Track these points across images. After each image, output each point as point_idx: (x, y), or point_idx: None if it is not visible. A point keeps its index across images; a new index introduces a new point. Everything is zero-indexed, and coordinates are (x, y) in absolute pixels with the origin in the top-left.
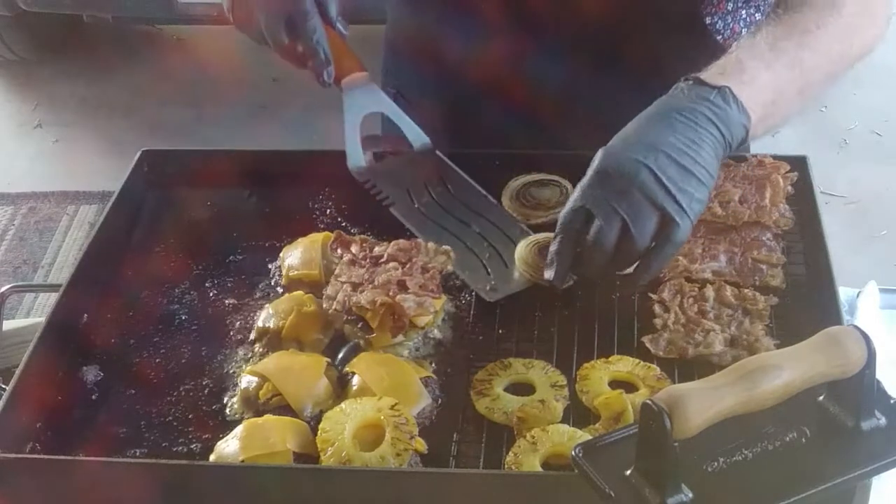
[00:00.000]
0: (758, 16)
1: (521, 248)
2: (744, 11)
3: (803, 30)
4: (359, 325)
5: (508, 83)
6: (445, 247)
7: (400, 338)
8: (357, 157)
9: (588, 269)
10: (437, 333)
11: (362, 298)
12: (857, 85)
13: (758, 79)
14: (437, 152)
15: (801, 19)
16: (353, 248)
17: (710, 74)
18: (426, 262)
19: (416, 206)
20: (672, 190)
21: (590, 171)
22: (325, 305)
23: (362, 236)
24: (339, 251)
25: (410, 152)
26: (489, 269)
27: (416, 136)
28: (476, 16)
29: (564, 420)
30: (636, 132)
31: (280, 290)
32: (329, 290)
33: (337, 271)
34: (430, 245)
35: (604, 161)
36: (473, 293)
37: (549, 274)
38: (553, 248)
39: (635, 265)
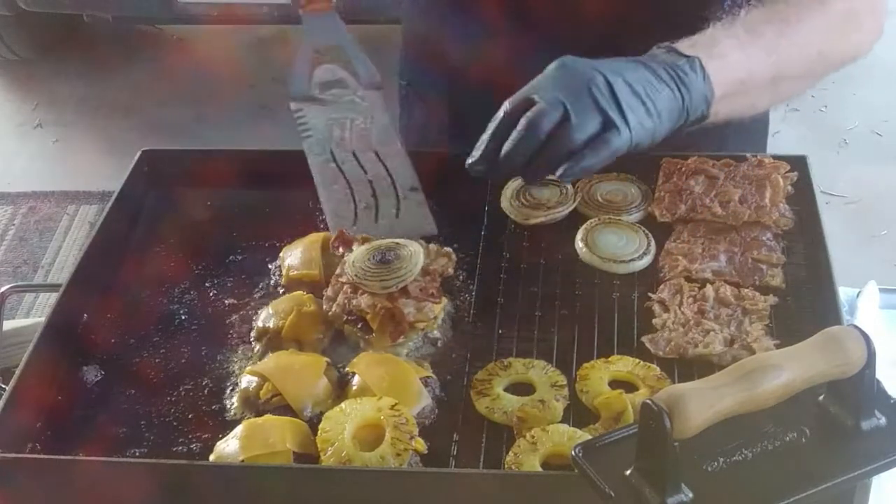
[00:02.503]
0: None
1: (359, 253)
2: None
3: (783, 19)
4: (359, 326)
5: (509, 83)
6: (447, 249)
7: (400, 339)
8: (301, 85)
9: (514, 151)
10: (437, 334)
11: (362, 301)
12: (857, 85)
13: (728, 55)
14: (380, 93)
15: (783, 9)
16: (355, 247)
17: (683, 45)
18: (427, 264)
19: (329, 142)
20: (621, 100)
21: (548, 69)
22: (325, 307)
23: (364, 235)
24: (340, 250)
25: (358, 88)
26: (357, 220)
27: (368, 72)
28: (478, 16)
29: (564, 420)
30: (601, 61)
31: (280, 290)
32: (329, 291)
33: (338, 271)
34: (432, 247)
35: (562, 60)
36: (474, 293)
37: (471, 157)
38: (486, 131)
39: (564, 167)
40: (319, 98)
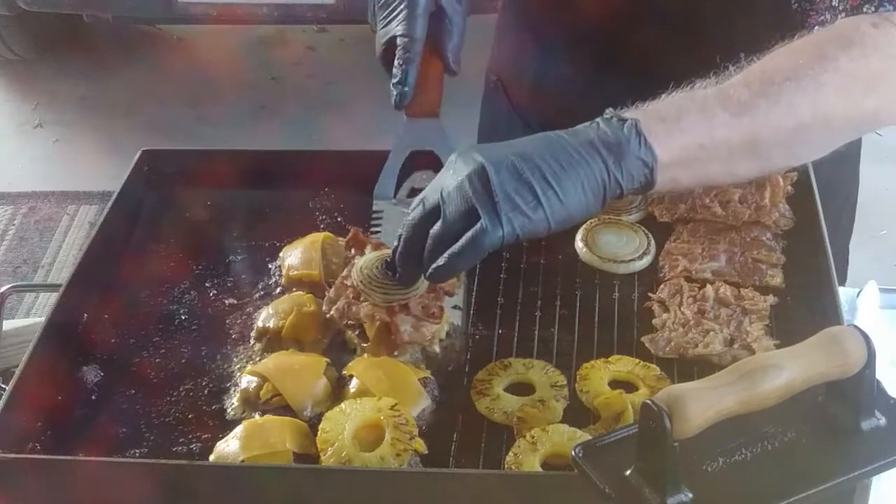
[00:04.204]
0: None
1: (369, 259)
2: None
3: (768, 79)
4: (356, 332)
5: (516, 81)
6: None
7: (395, 353)
8: (386, 189)
9: (402, 248)
10: (436, 349)
11: (361, 310)
12: None
13: (684, 118)
14: None
15: (770, 67)
16: (367, 251)
17: (631, 110)
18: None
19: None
20: (496, 195)
21: (448, 160)
22: (324, 308)
23: (377, 240)
24: (352, 251)
25: None
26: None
27: None
28: (569, 25)
29: (564, 420)
30: (513, 141)
31: (280, 290)
32: (332, 293)
33: (344, 273)
34: None
35: (459, 151)
36: (474, 293)
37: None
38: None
39: (431, 268)
40: (403, 202)
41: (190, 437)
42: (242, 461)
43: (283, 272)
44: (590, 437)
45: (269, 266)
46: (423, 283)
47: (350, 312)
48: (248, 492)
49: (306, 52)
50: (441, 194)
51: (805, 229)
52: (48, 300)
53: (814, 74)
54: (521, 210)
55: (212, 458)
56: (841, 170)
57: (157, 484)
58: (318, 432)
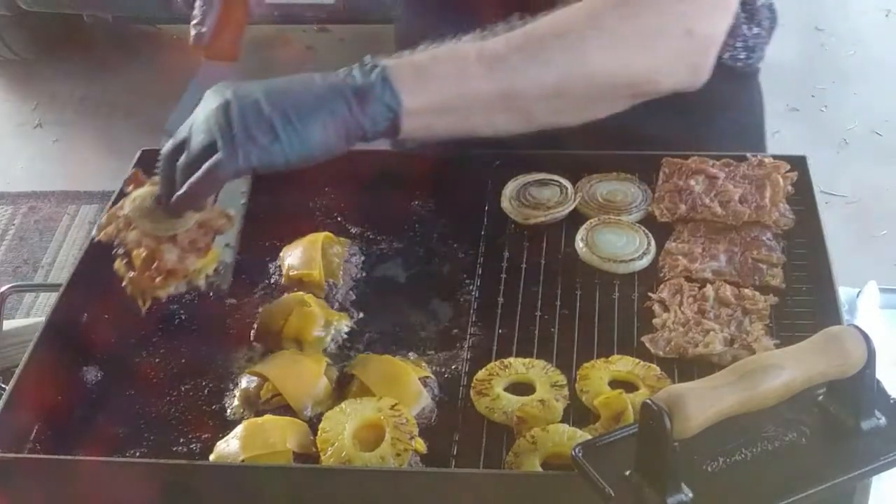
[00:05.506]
0: (756, 29)
1: (143, 191)
2: (745, 27)
3: (530, 34)
4: (125, 262)
5: None
6: (230, 211)
7: (158, 282)
8: (177, 126)
9: (162, 182)
10: (201, 284)
11: (129, 236)
12: (857, 85)
13: (437, 68)
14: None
15: (536, 25)
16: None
17: (392, 58)
18: (207, 219)
19: None
20: (234, 127)
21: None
22: (94, 233)
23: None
24: (131, 187)
25: None
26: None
27: None
28: (474, 17)
29: (564, 420)
30: (270, 80)
31: (280, 290)
32: (103, 220)
33: (120, 204)
34: (216, 207)
35: (216, 87)
36: (474, 293)
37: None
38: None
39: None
40: None
41: (190, 437)
42: (242, 461)
43: (283, 272)
44: (590, 437)
45: (269, 266)
46: (191, 217)
47: (118, 237)
48: (248, 492)
49: (306, 52)
50: (190, 129)
51: (805, 229)
52: (48, 300)
53: (578, 31)
54: (257, 143)
55: (212, 458)
56: (735, 85)
57: (157, 484)
58: (318, 432)
